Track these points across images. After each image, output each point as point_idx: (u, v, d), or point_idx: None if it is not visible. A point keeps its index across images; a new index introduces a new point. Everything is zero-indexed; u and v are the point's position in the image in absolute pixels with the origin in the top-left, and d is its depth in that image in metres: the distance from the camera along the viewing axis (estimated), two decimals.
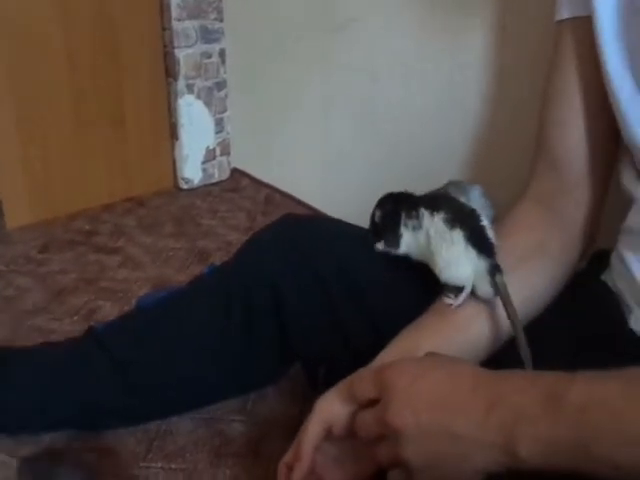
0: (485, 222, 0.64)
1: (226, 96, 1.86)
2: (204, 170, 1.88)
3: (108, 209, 1.73)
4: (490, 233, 0.63)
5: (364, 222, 0.79)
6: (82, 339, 0.93)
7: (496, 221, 0.70)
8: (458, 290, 0.64)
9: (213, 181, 1.90)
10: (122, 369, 0.87)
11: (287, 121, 1.71)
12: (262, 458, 0.87)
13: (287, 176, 1.77)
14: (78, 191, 1.69)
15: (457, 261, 0.64)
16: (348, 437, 0.56)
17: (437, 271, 0.66)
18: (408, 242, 0.71)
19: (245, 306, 0.83)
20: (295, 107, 1.66)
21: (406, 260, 0.71)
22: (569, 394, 0.42)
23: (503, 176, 1.11)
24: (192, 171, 1.86)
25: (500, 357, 0.63)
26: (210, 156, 1.88)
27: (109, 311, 1.23)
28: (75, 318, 1.22)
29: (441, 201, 0.68)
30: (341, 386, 0.57)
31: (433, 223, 0.67)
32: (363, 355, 0.60)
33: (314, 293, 0.79)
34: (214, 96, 1.84)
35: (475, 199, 0.70)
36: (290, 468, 0.57)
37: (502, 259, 0.62)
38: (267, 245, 0.84)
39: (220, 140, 1.89)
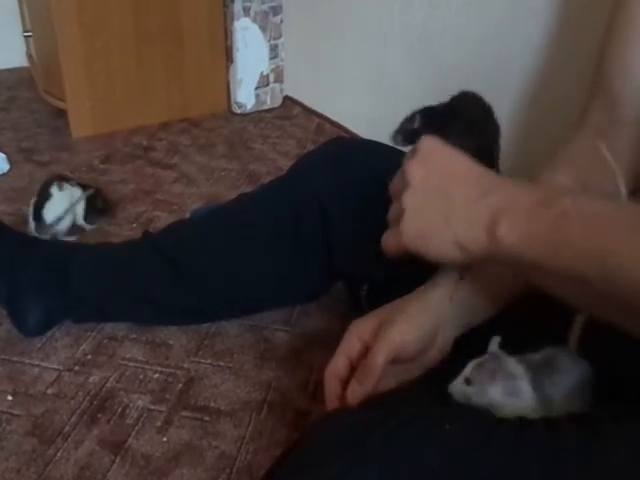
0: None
1: (281, 22, 1.85)
2: (257, 96, 1.90)
3: (165, 127, 1.77)
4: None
5: None
6: (138, 241, 0.98)
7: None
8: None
9: (265, 107, 1.92)
10: (174, 270, 0.90)
11: (341, 50, 1.69)
12: (304, 365, 0.91)
13: (339, 106, 1.77)
14: (138, 108, 1.74)
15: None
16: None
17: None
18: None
19: (294, 218, 0.84)
20: (350, 36, 1.64)
21: None
22: (559, 200, 0.45)
23: (558, 112, 1.08)
24: (245, 96, 1.88)
25: None
26: (263, 82, 1.89)
27: (165, 221, 1.28)
28: (134, 225, 1.28)
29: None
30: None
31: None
32: (404, 277, 0.62)
33: (361, 213, 0.80)
34: (269, 21, 1.83)
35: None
36: (341, 380, 0.61)
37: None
38: (316, 163, 0.85)
39: (274, 66, 1.90)
